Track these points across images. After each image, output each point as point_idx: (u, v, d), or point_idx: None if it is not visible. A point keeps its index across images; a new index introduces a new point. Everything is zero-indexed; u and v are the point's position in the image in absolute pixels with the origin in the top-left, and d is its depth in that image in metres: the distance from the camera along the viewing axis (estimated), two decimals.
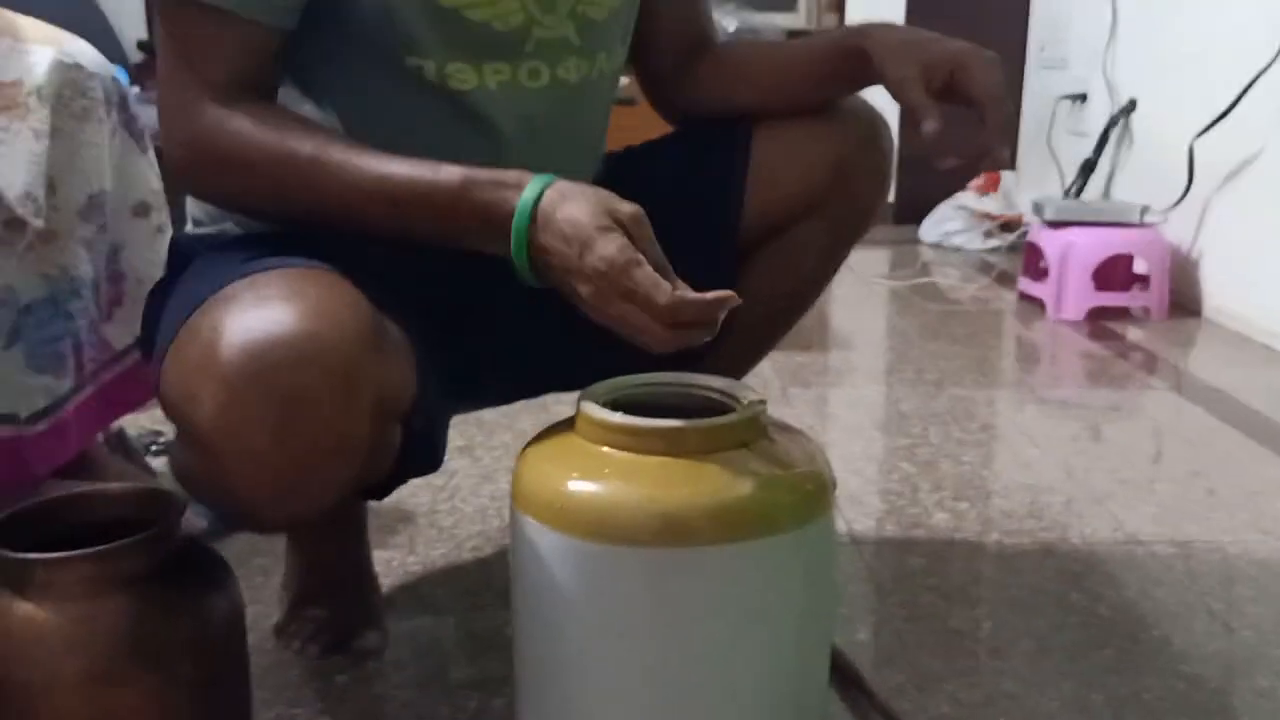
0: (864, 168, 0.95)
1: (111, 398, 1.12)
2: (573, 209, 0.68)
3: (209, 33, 0.72)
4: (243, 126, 0.72)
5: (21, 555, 0.65)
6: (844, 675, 0.93)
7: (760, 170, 0.94)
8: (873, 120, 0.95)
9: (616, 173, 0.97)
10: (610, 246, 0.66)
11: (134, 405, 1.15)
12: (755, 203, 0.94)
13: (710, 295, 0.66)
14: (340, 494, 0.69)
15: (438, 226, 0.72)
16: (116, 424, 1.27)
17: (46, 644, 0.64)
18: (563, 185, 0.70)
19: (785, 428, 0.74)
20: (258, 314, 0.64)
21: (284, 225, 0.79)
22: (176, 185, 0.81)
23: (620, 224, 0.67)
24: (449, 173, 0.71)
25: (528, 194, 0.69)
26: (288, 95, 0.81)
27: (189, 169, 0.76)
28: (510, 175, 0.70)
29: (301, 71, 0.81)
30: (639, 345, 0.68)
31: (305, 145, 0.72)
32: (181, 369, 0.67)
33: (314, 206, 0.73)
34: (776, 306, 1.01)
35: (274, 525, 0.97)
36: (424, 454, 0.82)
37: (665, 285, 0.65)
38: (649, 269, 0.66)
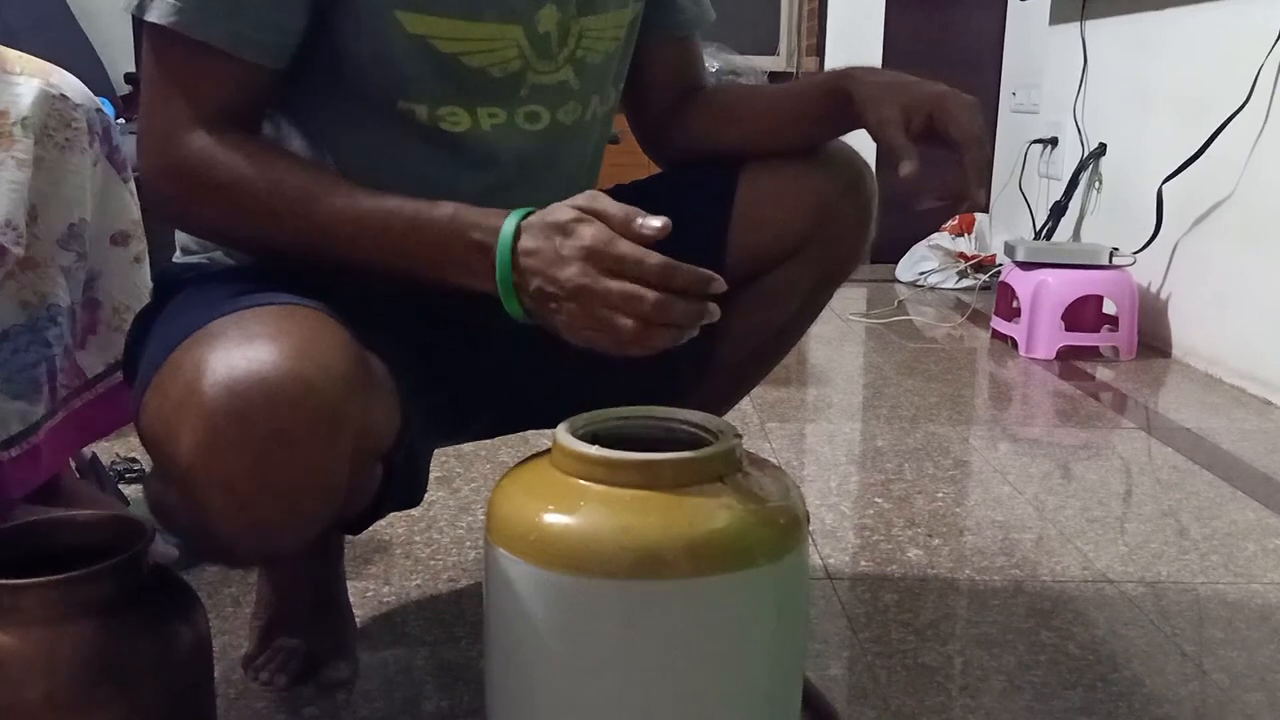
0: (848, 212, 0.96)
1: (83, 423, 1.11)
2: (556, 209, 0.69)
3: (199, 66, 0.72)
4: (231, 155, 0.72)
5: None
6: (816, 710, 0.92)
7: (744, 213, 0.95)
8: (857, 166, 0.97)
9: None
10: (591, 228, 0.67)
11: (105, 431, 1.15)
12: (738, 244, 0.95)
13: (702, 270, 0.67)
14: (318, 531, 0.69)
15: (427, 256, 0.72)
16: (89, 451, 1.27)
17: (10, 668, 0.63)
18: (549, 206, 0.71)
19: (760, 462, 0.74)
20: (241, 352, 0.63)
21: (268, 256, 0.79)
22: (159, 214, 0.80)
23: (599, 213, 0.68)
24: (441, 206, 0.71)
25: (513, 216, 0.70)
26: (281, 134, 0.82)
27: (173, 197, 0.75)
28: (497, 210, 0.72)
29: (295, 111, 0.81)
30: (624, 349, 0.68)
31: (295, 175, 0.73)
32: (163, 404, 0.67)
33: (301, 237, 0.73)
34: (758, 346, 1.01)
35: (250, 561, 0.97)
36: (404, 490, 0.82)
37: (654, 253, 0.67)
38: (634, 244, 0.67)
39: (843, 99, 0.87)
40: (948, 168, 0.85)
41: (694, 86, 1.01)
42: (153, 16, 0.70)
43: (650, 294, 0.66)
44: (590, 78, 0.87)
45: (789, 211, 0.95)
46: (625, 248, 0.67)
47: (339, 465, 0.66)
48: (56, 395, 1.06)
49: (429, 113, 0.79)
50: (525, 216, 0.70)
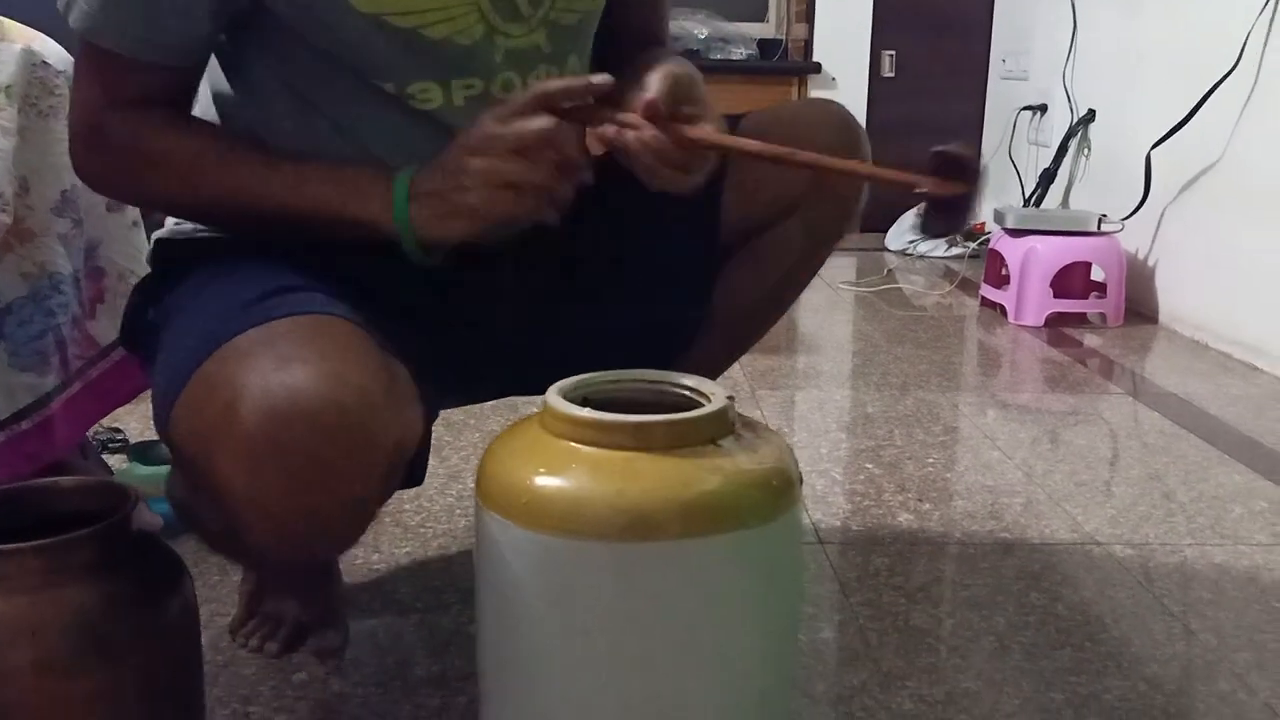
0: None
1: (102, 392, 1.11)
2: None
3: (117, 64, 0.75)
4: (155, 130, 0.76)
5: None
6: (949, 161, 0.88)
7: (739, 171, 0.93)
8: (850, 125, 0.95)
9: (601, 172, 0.96)
10: (477, 131, 0.72)
11: (124, 399, 1.15)
12: (734, 203, 0.94)
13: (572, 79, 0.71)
14: (353, 543, 0.70)
15: (331, 192, 0.76)
16: None
17: None
18: None
19: (753, 424, 0.74)
20: (279, 378, 0.63)
21: (197, 221, 0.83)
22: (95, 189, 0.85)
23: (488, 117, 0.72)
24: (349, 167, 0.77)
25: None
26: (278, 111, 0.81)
27: (102, 174, 0.80)
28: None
29: (288, 87, 0.80)
30: (522, 212, 0.73)
31: (216, 142, 0.77)
32: (196, 424, 0.66)
33: (223, 196, 0.76)
34: (754, 306, 1.01)
35: (281, 570, 1.00)
36: (413, 472, 0.82)
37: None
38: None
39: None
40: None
41: (654, 43, 0.97)
42: (71, 21, 0.74)
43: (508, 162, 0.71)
44: (565, 39, 0.84)
45: (783, 172, 0.94)
46: (520, 94, 0.71)
47: (374, 484, 0.66)
48: (70, 366, 1.06)
49: (399, 90, 0.77)
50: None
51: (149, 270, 0.88)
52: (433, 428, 0.80)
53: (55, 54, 1.06)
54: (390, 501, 1.35)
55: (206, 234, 0.85)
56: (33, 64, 1.02)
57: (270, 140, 0.79)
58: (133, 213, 1.16)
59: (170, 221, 0.89)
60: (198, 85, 0.81)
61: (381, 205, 0.74)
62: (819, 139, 0.93)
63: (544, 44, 0.82)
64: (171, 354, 0.73)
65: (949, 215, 0.79)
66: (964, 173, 0.76)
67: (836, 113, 0.95)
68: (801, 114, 0.96)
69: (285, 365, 0.63)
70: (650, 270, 0.75)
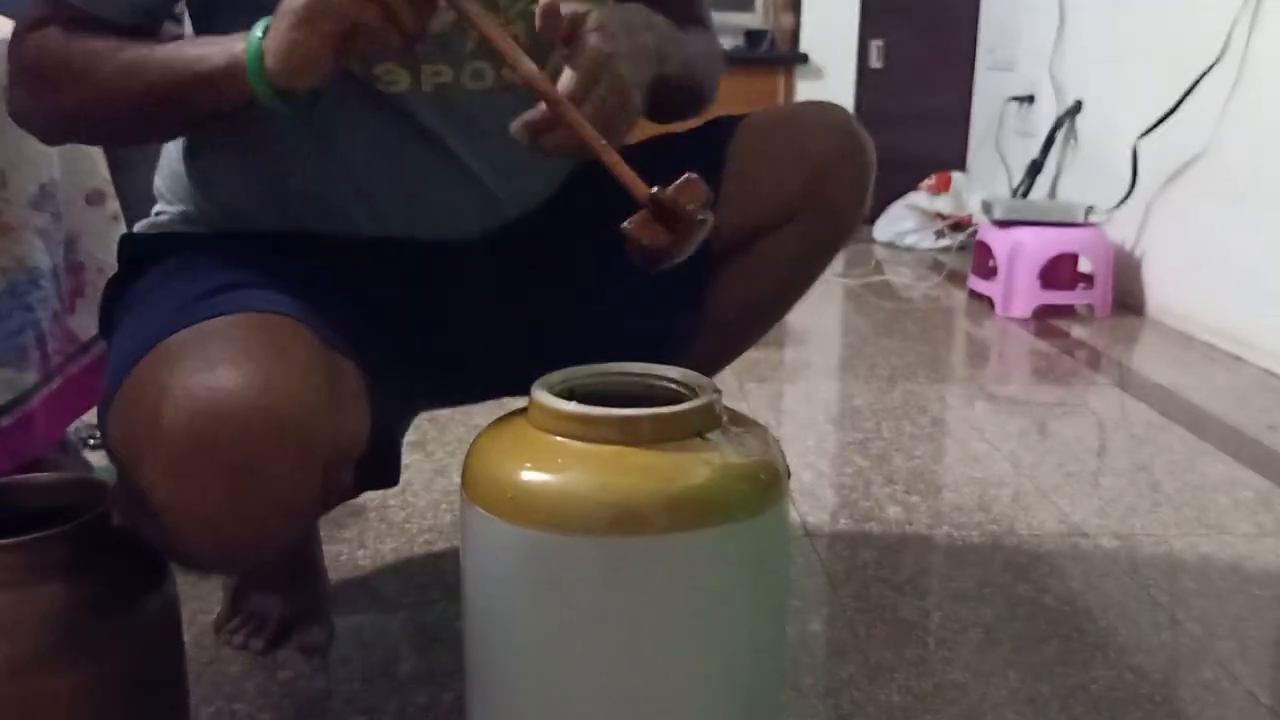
0: (843, 180, 0.92)
1: (81, 389, 1.10)
2: None
3: (69, 12, 0.75)
4: (69, 41, 0.74)
5: None
6: None
7: (733, 177, 0.91)
8: (854, 131, 0.93)
9: (594, 177, 0.95)
10: None
11: None
12: (728, 209, 0.92)
13: None
14: (292, 543, 0.68)
15: (197, 52, 0.71)
16: None
17: None
18: None
19: (740, 418, 0.74)
20: (201, 380, 0.61)
21: (96, 132, 0.81)
22: (11, 111, 0.82)
23: None
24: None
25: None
26: None
27: (17, 82, 0.77)
28: None
29: None
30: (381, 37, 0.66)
31: (113, 42, 0.73)
32: (126, 428, 0.65)
33: (115, 87, 0.73)
34: (748, 312, 0.99)
35: (223, 573, 0.98)
36: (382, 473, 0.80)
37: None
38: None
39: None
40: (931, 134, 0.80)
41: (690, 23, 0.94)
42: None
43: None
44: None
45: (781, 177, 0.92)
46: None
47: (310, 487, 0.64)
48: (50, 362, 1.05)
49: (364, 69, 0.76)
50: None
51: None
52: (417, 423, 0.79)
53: None
54: (375, 498, 1.34)
55: (172, 230, 0.84)
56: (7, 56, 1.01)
57: (228, 128, 0.77)
58: (113, 206, 1.14)
59: (157, 205, 0.87)
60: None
61: (236, 47, 0.69)
62: (817, 143, 0.91)
63: (522, 36, 0.80)
64: (114, 355, 0.72)
65: (645, 258, 0.70)
66: (675, 223, 0.68)
67: (840, 118, 0.93)
68: (802, 114, 0.94)
69: (211, 367, 0.62)
70: (638, 273, 0.73)
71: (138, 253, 0.83)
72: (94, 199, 1.12)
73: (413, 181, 0.80)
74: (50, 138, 0.85)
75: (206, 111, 0.73)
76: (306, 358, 0.65)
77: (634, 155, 0.97)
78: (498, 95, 0.81)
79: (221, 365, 0.62)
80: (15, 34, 0.77)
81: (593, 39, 0.68)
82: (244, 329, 0.65)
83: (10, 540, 0.63)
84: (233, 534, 0.62)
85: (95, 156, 1.13)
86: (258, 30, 0.68)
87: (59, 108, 0.77)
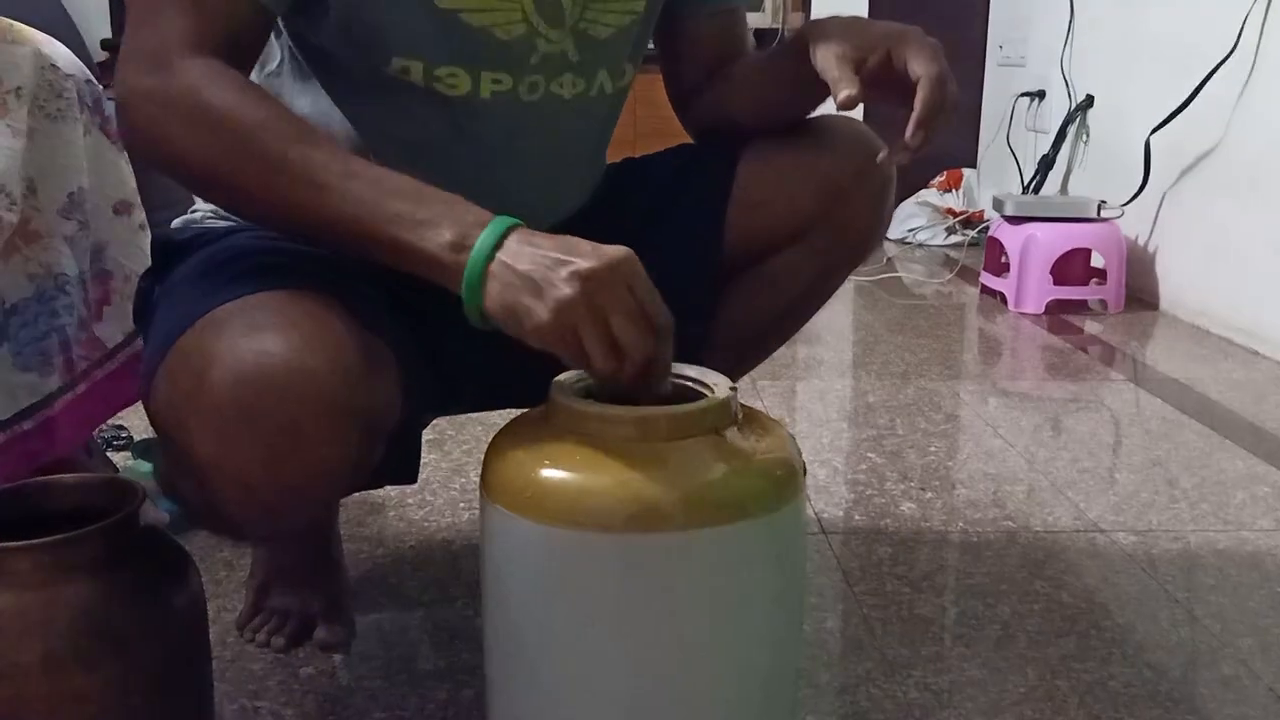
0: (859, 198, 0.90)
1: (107, 394, 1.12)
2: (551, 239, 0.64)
3: None
4: (224, 84, 0.66)
5: None
6: None
7: (743, 195, 0.91)
8: (871, 148, 0.89)
9: (613, 185, 0.95)
10: (603, 255, 0.62)
11: (129, 401, 1.15)
12: (737, 225, 0.91)
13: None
14: (325, 510, 0.69)
15: (403, 211, 0.65)
16: None
17: (4, 631, 0.63)
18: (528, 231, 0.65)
19: (756, 415, 0.74)
20: (248, 344, 0.63)
21: (228, 203, 0.74)
22: (131, 143, 0.72)
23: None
24: (424, 208, 0.65)
25: (493, 228, 0.65)
26: (284, 87, 0.80)
27: (154, 119, 0.67)
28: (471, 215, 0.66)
29: (300, 66, 0.80)
30: (585, 358, 0.64)
31: (284, 118, 0.67)
32: (171, 394, 0.66)
33: (274, 180, 0.66)
34: (758, 331, 0.98)
35: (259, 539, 0.99)
36: (403, 465, 0.81)
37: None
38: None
39: (804, 47, 0.81)
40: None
41: (734, 57, 0.95)
42: None
43: (634, 332, 0.63)
44: (594, 52, 0.82)
45: (792, 194, 0.90)
46: (616, 270, 0.62)
47: (346, 452, 0.66)
48: (75, 368, 1.06)
49: (425, 71, 0.76)
50: (507, 231, 0.65)
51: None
52: (434, 423, 0.80)
53: (64, 57, 1.06)
54: (393, 496, 1.35)
55: (207, 225, 0.85)
56: (42, 67, 1.02)
57: None
58: (140, 216, 1.15)
59: (194, 206, 0.88)
60: (261, 49, 0.75)
61: (456, 234, 0.64)
62: (831, 159, 0.89)
63: (571, 52, 0.81)
64: (156, 330, 0.73)
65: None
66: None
67: (856, 130, 0.91)
68: (815, 126, 0.92)
69: (256, 333, 0.63)
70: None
71: (173, 246, 0.84)
72: (121, 209, 1.13)
73: (452, 184, 0.81)
74: (165, 167, 0.72)
75: (369, 259, 0.67)
76: (345, 329, 0.66)
77: (646, 166, 0.98)
78: (545, 107, 0.82)
79: (266, 331, 0.63)
80: (162, 39, 0.67)
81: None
82: (285, 302, 0.67)
83: (40, 540, 0.64)
84: (272, 497, 0.64)
85: (124, 168, 1.15)
86: (488, 243, 0.63)
87: (201, 166, 0.68)
